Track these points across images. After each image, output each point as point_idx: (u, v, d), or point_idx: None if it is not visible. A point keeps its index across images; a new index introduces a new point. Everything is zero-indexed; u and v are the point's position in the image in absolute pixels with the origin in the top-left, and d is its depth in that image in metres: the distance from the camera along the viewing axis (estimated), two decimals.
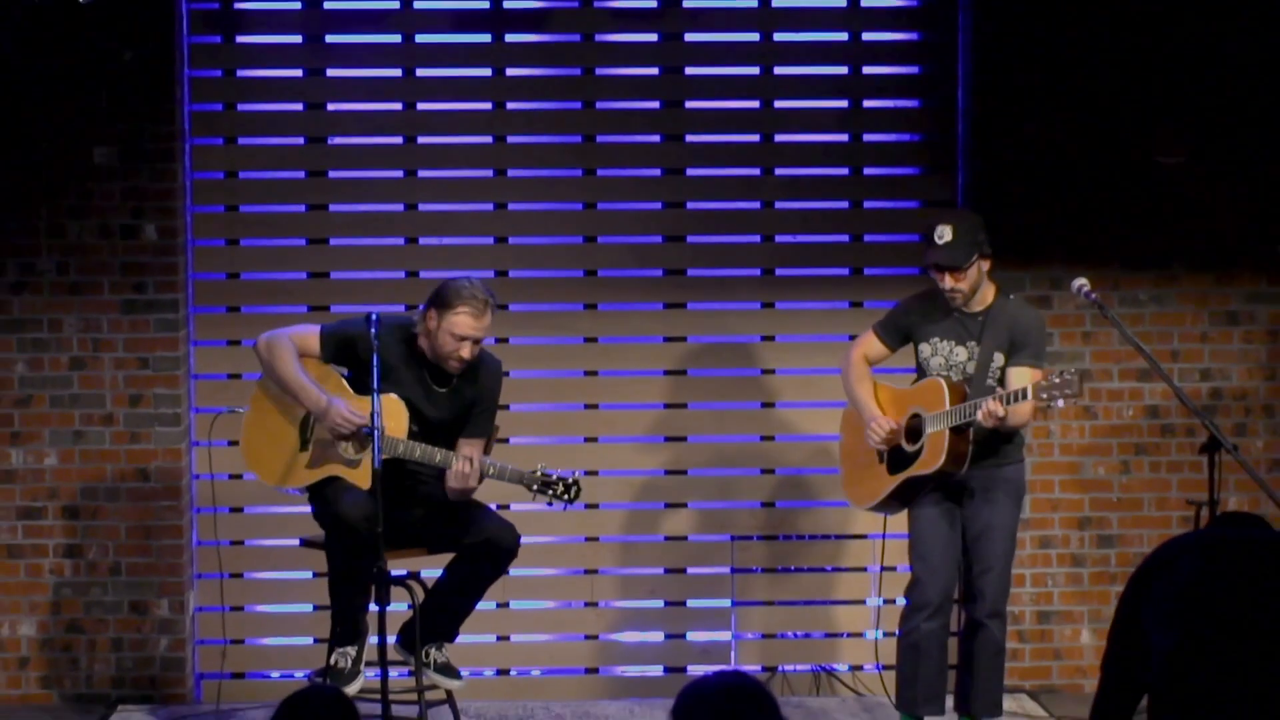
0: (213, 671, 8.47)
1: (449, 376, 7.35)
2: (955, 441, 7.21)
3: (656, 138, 8.65)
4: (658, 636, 8.72)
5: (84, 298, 8.36)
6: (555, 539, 8.61)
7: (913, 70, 8.66)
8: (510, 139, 8.60)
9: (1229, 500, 8.26)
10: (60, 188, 8.32)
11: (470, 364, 7.33)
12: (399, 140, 8.58)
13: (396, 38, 8.57)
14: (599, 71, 8.61)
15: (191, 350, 8.51)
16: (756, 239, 8.67)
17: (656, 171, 8.65)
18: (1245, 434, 8.56)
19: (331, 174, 8.57)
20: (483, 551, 7.31)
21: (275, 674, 8.58)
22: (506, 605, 8.59)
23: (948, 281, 7.28)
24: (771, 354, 8.67)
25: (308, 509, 7.45)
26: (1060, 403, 7.13)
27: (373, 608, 6.98)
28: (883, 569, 8.21)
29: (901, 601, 7.55)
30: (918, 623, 7.39)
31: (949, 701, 7.59)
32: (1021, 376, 7.23)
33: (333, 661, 7.34)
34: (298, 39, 8.57)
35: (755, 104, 8.64)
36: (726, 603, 8.68)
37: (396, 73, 8.58)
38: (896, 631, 7.53)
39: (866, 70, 8.64)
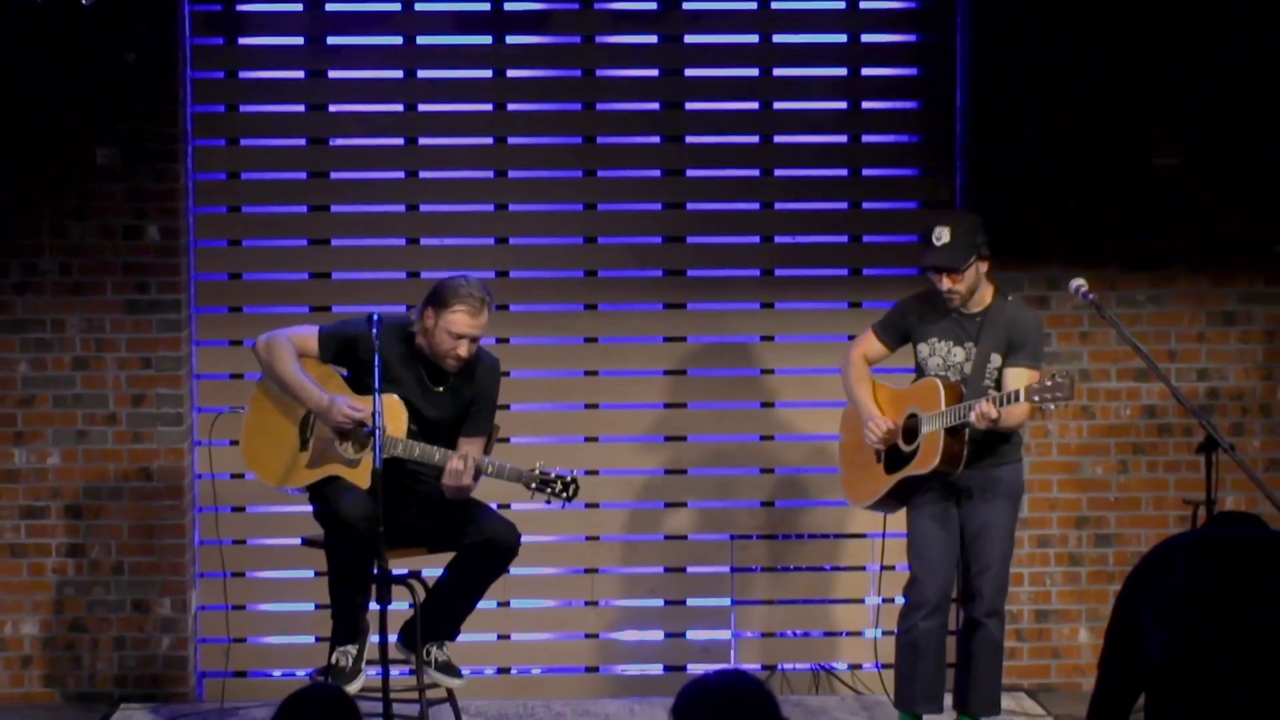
0: (215, 670, 8.49)
1: (447, 375, 7.37)
2: (950, 442, 7.23)
3: (656, 139, 8.67)
4: (658, 635, 8.74)
5: (87, 298, 8.38)
6: (555, 538, 8.63)
7: (911, 72, 8.68)
8: (511, 140, 8.62)
9: (1226, 500, 8.27)
10: (63, 188, 8.34)
11: (468, 363, 7.34)
12: (400, 141, 8.60)
13: (398, 39, 8.59)
14: (599, 73, 8.63)
15: (194, 350, 8.53)
16: (756, 240, 8.69)
17: (656, 172, 8.67)
18: (1242, 434, 8.57)
19: (333, 175, 8.59)
20: (483, 550, 7.32)
21: (277, 673, 8.60)
22: (507, 604, 8.61)
23: (945, 283, 7.30)
24: (771, 354, 8.69)
25: (309, 508, 7.46)
26: (1052, 406, 7.15)
27: (374, 607, 6.99)
28: (882, 568, 8.23)
29: (900, 600, 7.57)
30: (916, 621, 7.41)
31: (947, 700, 7.60)
32: (1019, 377, 7.24)
33: (334, 660, 7.35)
34: (299, 40, 8.59)
35: (755, 105, 8.66)
36: (726, 601, 8.70)
37: (398, 74, 8.60)
38: (895, 630, 7.56)
39: (865, 72, 8.66)
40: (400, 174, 8.60)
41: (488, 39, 8.60)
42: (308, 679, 7.83)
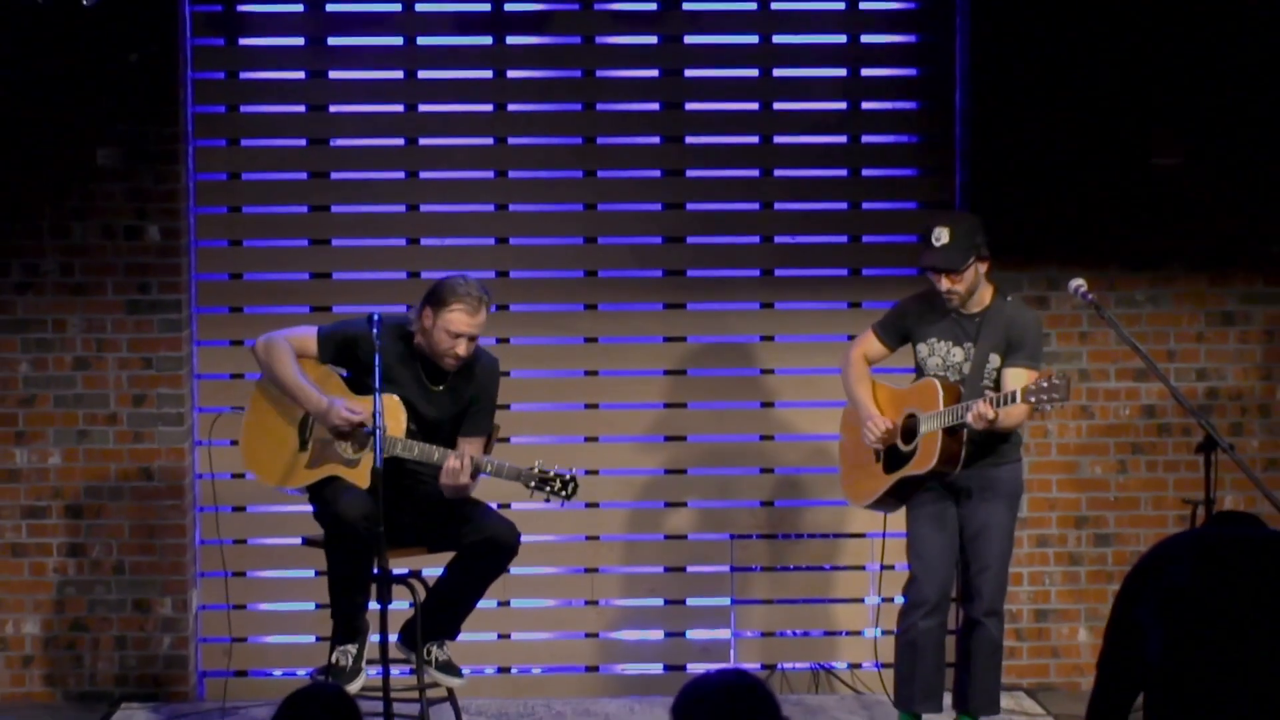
0: (216, 669, 8.51)
1: (445, 375, 7.38)
2: (948, 442, 7.24)
3: (656, 139, 8.68)
4: (658, 635, 8.75)
5: (88, 298, 8.39)
6: (556, 538, 8.65)
7: (911, 72, 8.69)
8: (511, 140, 8.63)
9: (1225, 499, 8.29)
10: (64, 189, 8.35)
11: (467, 362, 7.35)
12: (401, 142, 8.61)
13: (398, 40, 8.60)
14: (599, 73, 8.64)
15: (194, 350, 8.54)
16: (756, 240, 8.70)
17: (656, 173, 8.68)
18: (1241, 433, 8.59)
19: (334, 175, 8.60)
20: (483, 550, 7.33)
21: (278, 672, 8.61)
22: (507, 604, 8.62)
23: (944, 283, 7.31)
24: (770, 354, 8.70)
25: (309, 508, 7.47)
26: (1049, 407, 7.15)
27: (374, 606, 7.00)
28: (881, 567, 8.24)
29: (899, 600, 7.58)
30: (915, 620, 7.42)
31: (947, 699, 7.61)
32: (1017, 378, 7.25)
33: (334, 660, 7.35)
34: (300, 41, 8.60)
35: (755, 106, 8.67)
36: (726, 601, 8.71)
37: (398, 75, 8.61)
38: (894, 629, 7.57)
39: (865, 72, 8.67)
40: (401, 174, 8.61)
41: (488, 40, 8.61)
42: (308, 678, 7.84)
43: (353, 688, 7.25)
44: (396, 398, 7.27)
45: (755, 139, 8.67)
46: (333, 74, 8.60)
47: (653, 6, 8.62)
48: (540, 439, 8.60)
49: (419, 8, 8.59)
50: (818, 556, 8.70)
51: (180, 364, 8.40)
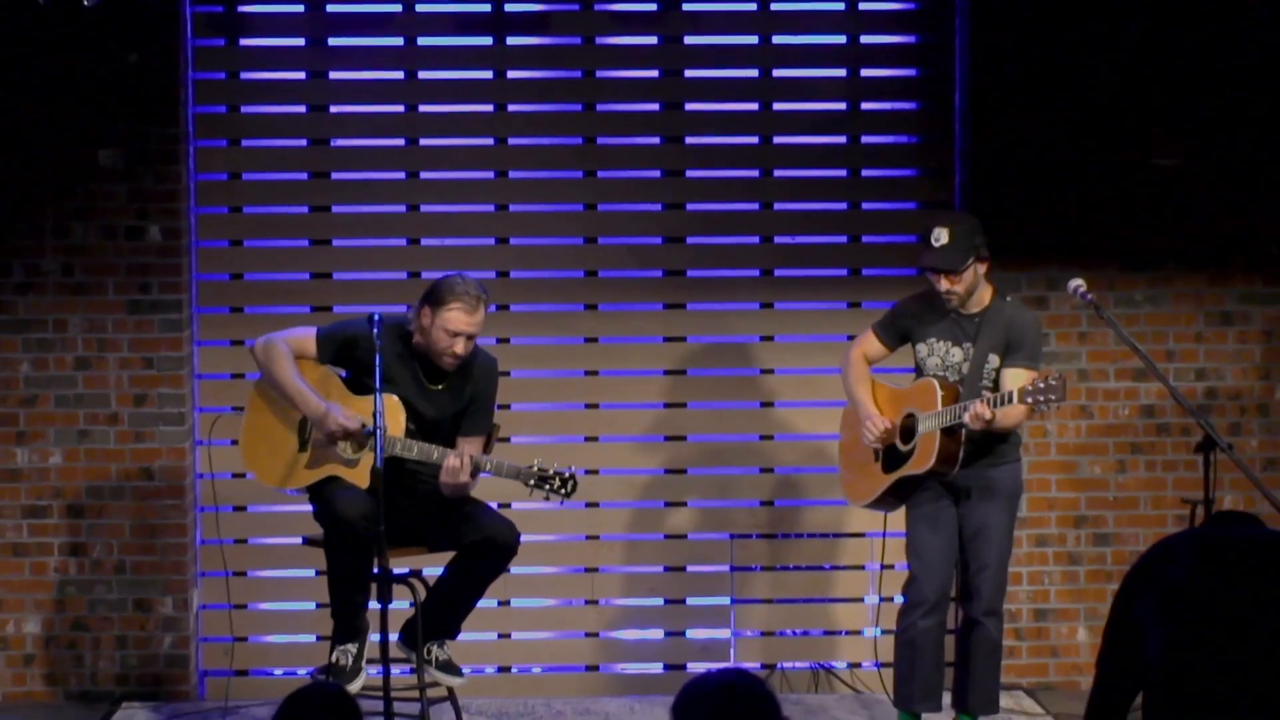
0: (216, 669, 8.52)
1: (444, 374, 7.39)
2: (946, 442, 7.25)
3: (656, 139, 8.69)
4: (658, 634, 8.76)
5: (89, 298, 8.40)
6: (556, 537, 8.66)
7: (910, 73, 8.70)
8: (511, 141, 8.64)
9: (1224, 499, 8.30)
10: (65, 189, 8.36)
11: (465, 361, 7.37)
12: (401, 142, 8.62)
13: (399, 40, 8.61)
14: (599, 74, 8.65)
15: (195, 350, 8.55)
16: (755, 240, 8.71)
17: (656, 173, 8.69)
18: (1240, 433, 8.60)
19: (334, 175, 8.61)
20: (483, 550, 7.34)
21: (278, 671, 8.62)
22: (508, 603, 8.63)
23: (944, 284, 7.32)
24: (770, 354, 8.71)
25: (310, 508, 7.47)
26: (1045, 408, 7.16)
27: (375, 606, 7.01)
28: (881, 567, 8.25)
29: (899, 599, 7.59)
30: (914, 620, 7.42)
31: (946, 699, 7.62)
32: (1016, 378, 7.25)
33: (334, 659, 7.36)
34: (301, 42, 8.61)
35: (754, 106, 8.68)
36: (726, 600, 8.72)
37: (399, 75, 8.62)
38: (894, 629, 7.57)
39: (865, 73, 8.68)
40: (401, 174, 8.62)
41: (488, 40, 8.62)
42: (309, 678, 7.85)
43: (353, 687, 7.26)
44: (395, 398, 7.28)
45: (755, 139, 8.68)
46: (333, 74, 8.61)
47: (653, 7, 8.63)
48: (540, 439, 8.60)
49: (419, 8, 8.60)
50: (817, 556, 8.71)
51: (181, 364, 8.41)
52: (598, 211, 8.67)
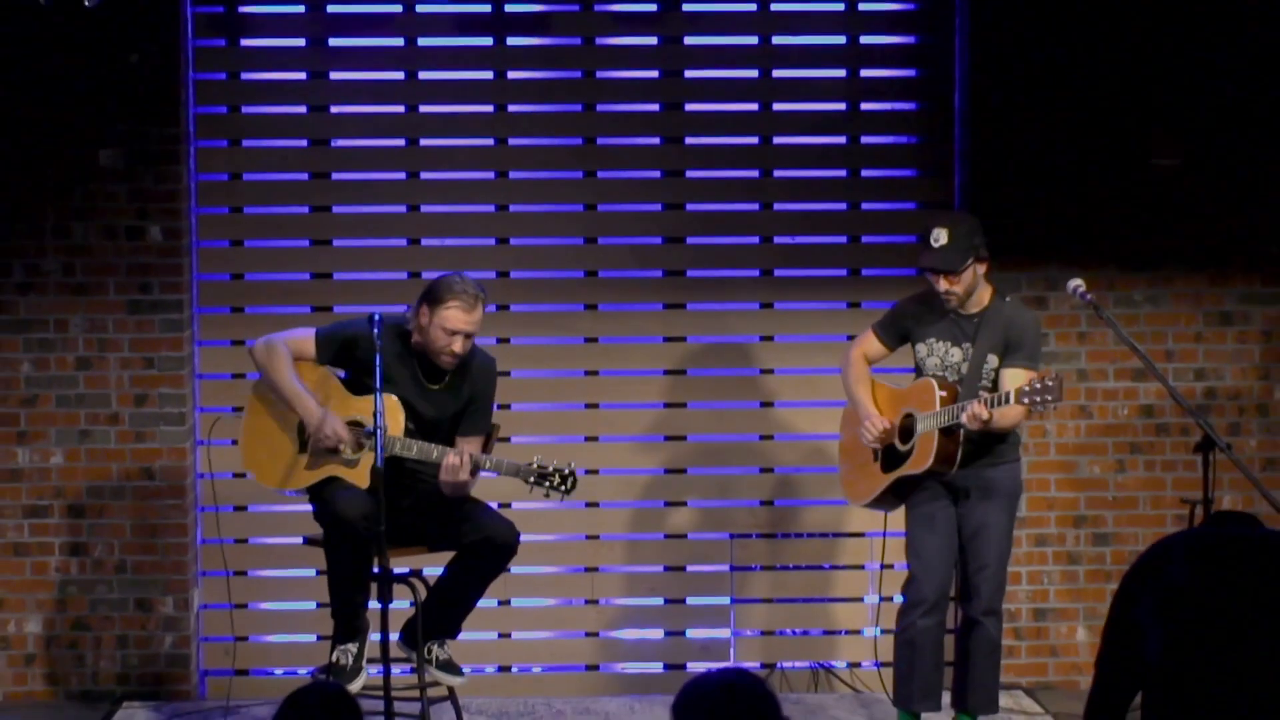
0: (217, 668, 8.53)
1: (443, 374, 7.40)
2: (945, 442, 7.25)
3: (656, 140, 8.70)
4: (657, 634, 8.76)
5: (89, 298, 8.40)
6: (556, 537, 8.67)
7: (910, 73, 8.71)
8: (511, 141, 8.65)
9: (1223, 499, 8.31)
10: (66, 189, 8.37)
11: (463, 361, 7.38)
12: (401, 142, 8.63)
13: (399, 41, 8.62)
14: (599, 74, 8.66)
15: (196, 350, 8.56)
16: (755, 240, 8.72)
17: (656, 173, 8.70)
18: (1239, 433, 8.60)
19: (334, 176, 8.62)
20: (482, 549, 7.34)
21: (279, 671, 8.63)
22: (508, 603, 8.64)
23: (943, 284, 7.33)
24: (770, 354, 8.72)
25: (310, 508, 7.48)
26: (1041, 408, 7.16)
27: (375, 605, 7.02)
28: (881, 567, 8.25)
29: (898, 599, 7.60)
30: (913, 619, 7.43)
31: (945, 698, 7.63)
32: (1015, 378, 7.26)
33: (335, 659, 7.37)
34: (301, 42, 8.62)
35: (754, 106, 8.69)
36: (725, 600, 8.73)
37: (399, 75, 8.63)
38: (893, 628, 7.58)
39: (864, 73, 8.69)
40: (401, 175, 8.63)
41: (488, 41, 8.63)
42: (309, 677, 7.86)
43: (354, 686, 7.27)
44: (394, 397, 7.28)
45: (755, 140, 8.69)
46: (334, 75, 8.62)
47: (653, 8, 8.64)
48: (540, 439, 8.61)
49: (420, 9, 8.61)
50: (817, 556, 8.72)
51: (182, 364, 8.42)
52: (598, 212, 8.68)
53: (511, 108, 8.64)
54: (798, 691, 8.64)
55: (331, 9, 8.58)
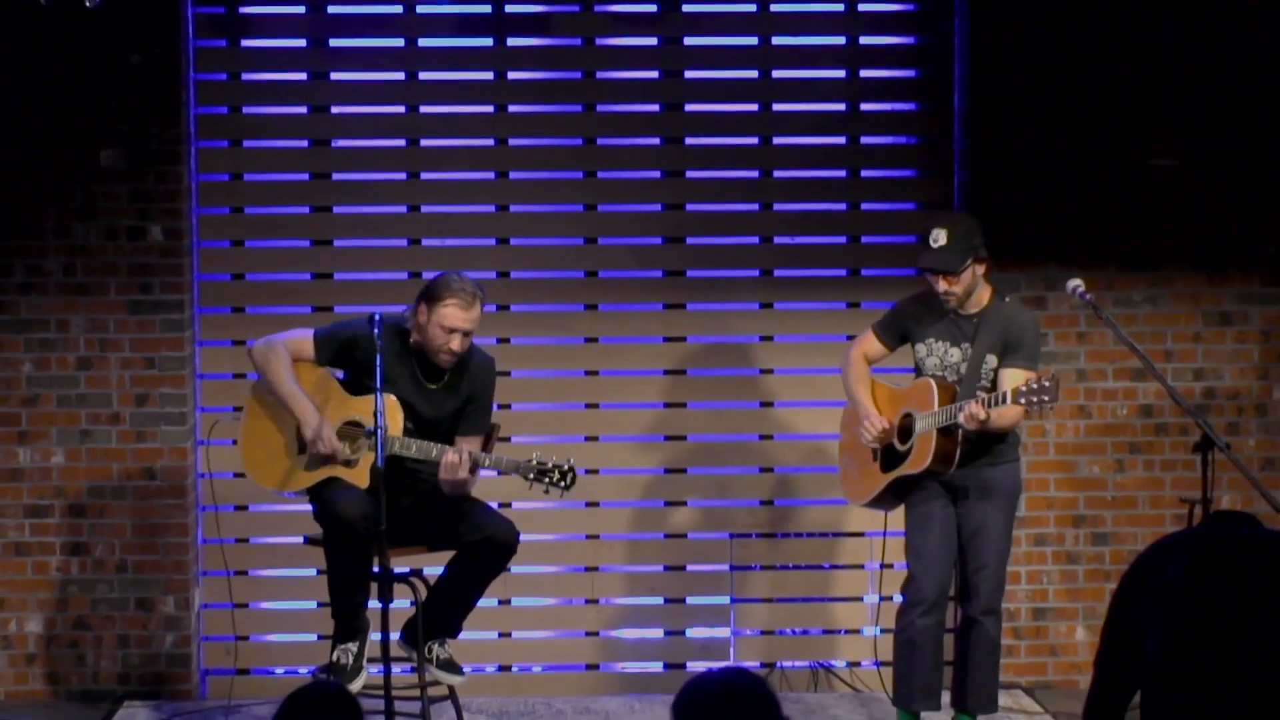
0: (218, 668, 8.54)
1: (441, 373, 7.40)
2: (943, 442, 7.26)
3: (656, 140, 8.71)
4: (657, 633, 8.77)
5: (90, 298, 8.41)
6: (556, 537, 8.67)
7: (910, 73, 8.72)
8: (512, 141, 8.66)
9: (1222, 499, 8.32)
10: (67, 190, 8.38)
11: (462, 360, 7.39)
12: (402, 143, 8.64)
13: (399, 41, 8.63)
14: (600, 75, 8.67)
15: (197, 350, 8.57)
16: (755, 240, 8.73)
17: (656, 173, 8.71)
18: (1238, 433, 8.61)
19: (335, 176, 8.63)
20: (482, 549, 7.35)
21: (279, 670, 8.63)
22: (508, 602, 8.65)
23: (942, 285, 7.34)
24: (770, 354, 8.73)
25: (310, 507, 7.50)
26: (1038, 408, 7.17)
27: (376, 605, 7.03)
28: (880, 566, 8.26)
29: (898, 598, 7.61)
30: (913, 619, 7.44)
31: (945, 697, 7.64)
32: (1014, 378, 7.26)
33: (335, 658, 7.38)
34: (302, 43, 8.63)
35: (754, 107, 8.70)
36: (725, 599, 8.74)
37: (399, 76, 8.64)
38: (893, 628, 7.59)
39: (864, 74, 8.70)
40: (402, 175, 8.64)
41: (489, 41, 8.64)
42: (310, 676, 7.87)
43: (354, 686, 7.28)
44: (393, 397, 7.29)
45: (755, 140, 8.70)
46: (334, 75, 8.63)
47: (653, 8, 8.65)
48: (540, 439, 8.61)
49: (420, 9, 8.62)
50: (817, 555, 8.73)
51: (182, 364, 8.43)
52: (598, 212, 8.69)
53: (512, 108, 8.65)
54: (797, 691, 8.65)
55: (332, 10, 8.59)
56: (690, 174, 8.69)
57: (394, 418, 7.26)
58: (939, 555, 7.43)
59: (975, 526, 7.41)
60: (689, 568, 8.75)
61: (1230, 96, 8.54)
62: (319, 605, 8.33)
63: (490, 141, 8.65)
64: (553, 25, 8.62)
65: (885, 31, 8.70)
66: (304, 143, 8.61)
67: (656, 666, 8.75)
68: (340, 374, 7.47)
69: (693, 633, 8.76)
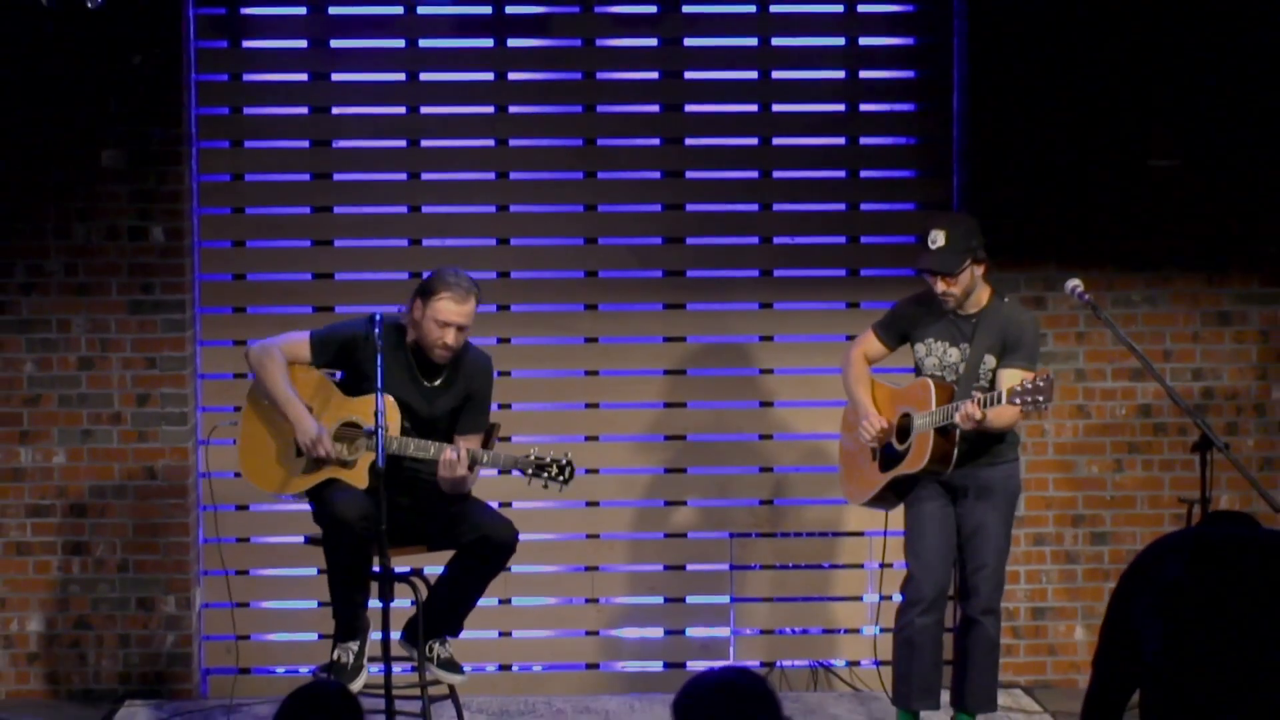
0: (218, 667, 8.55)
1: (439, 371, 7.40)
2: (940, 442, 7.27)
3: (656, 141, 8.72)
4: (657, 632, 8.78)
5: (92, 298, 8.42)
6: (556, 536, 8.68)
7: (909, 74, 8.72)
8: (512, 142, 8.67)
9: (1220, 498, 8.33)
10: (68, 190, 8.39)
11: (459, 359, 7.39)
12: (403, 143, 8.64)
13: (400, 42, 8.63)
14: (600, 76, 8.68)
15: (198, 350, 8.58)
16: (755, 240, 8.73)
17: (656, 174, 8.72)
18: (1236, 433, 8.62)
19: (336, 176, 8.64)
20: (481, 548, 7.35)
21: (280, 669, 8.64)
22: (508, 601, 8.66)
23: (940, 286, 7.35)
24: (769, 354, 8.74)
25: (310, 507, 7.51)
26: (1033, 409, 7.17)
27: (376, 604, 7.04)
28: (880, 566, 8.28)
29: (897, 598, 7.62)
30: (912, 618, 7.45)
31: (944, 697, 7.65)
32: (1012, 379, 7.25)
33: (336, 657, 7.38)
34: (303, 44, 8.64)
35: (754, 107, 8.71)
36: (725, 599, 8.75)
37: (400, 77, 8.64)
38: (893, 627, 7.60)
39: (863, 74, 8.71)
40: (402, 175, 8.65)
41: (489, 42, 8.65)
42: (311, 676, 7.88)
43: (355, 685, 7.29)
44: (390, 397, 7.29)
45: (754, 140, 8.71)
46: (335, 76, 8.64)
47: (653, 9, 8.66)
48: (540, 438, 8.60)
49: (421, 10, 8.63)
50: (816, 555, 8.74)
51: (183, 364, 8.44)
52: (598, 212, 8.70)
53: (512, 109, 8.66)
54: (797, 690, 8.66)
55: (333, 11, 8.60)
56: (690, 174, 8.70)
57: (392, 417, 7.26)
58: (938, 555, 7.44)
59: (974, 526, 7.42)
60: (689, 567, 8.75)
61: (1230, 96, 8.55)
62: (319, 604, 8.34)
63: (490, 142, 8.66)
64: (553, 26, 8.63)
65: (884, 32, 8.71)
66: (305, 143, 8.62)
67: (656, 666, 8.76)
68: (337, 374, 7.47)
69: (693, 632, 8.77)
